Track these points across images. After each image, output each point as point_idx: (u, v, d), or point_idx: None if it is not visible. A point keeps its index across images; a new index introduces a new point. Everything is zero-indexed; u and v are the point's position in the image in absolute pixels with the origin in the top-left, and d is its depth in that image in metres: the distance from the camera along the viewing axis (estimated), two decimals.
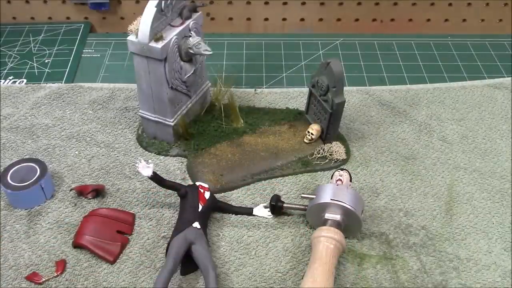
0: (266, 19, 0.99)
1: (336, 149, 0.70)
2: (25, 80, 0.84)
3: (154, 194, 0.65)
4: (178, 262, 0.55)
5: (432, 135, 0.75)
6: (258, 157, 0.69)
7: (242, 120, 0.74)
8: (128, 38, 0.63)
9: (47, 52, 0.90)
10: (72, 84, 0.82)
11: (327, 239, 0.55)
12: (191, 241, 0.56)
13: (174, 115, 0.70)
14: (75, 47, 0.91)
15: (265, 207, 0.64)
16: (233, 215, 0.63)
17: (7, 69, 0.86)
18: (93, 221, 0.60)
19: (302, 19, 0.99)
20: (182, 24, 0.66)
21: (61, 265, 0.57)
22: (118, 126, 0.75)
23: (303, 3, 0.97)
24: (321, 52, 0.91)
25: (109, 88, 0.81)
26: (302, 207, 0.62)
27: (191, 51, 0.66)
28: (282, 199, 0.63)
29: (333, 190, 0.58)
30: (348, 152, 0.71)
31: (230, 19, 0.99)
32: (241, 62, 0.89)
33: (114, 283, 0.56)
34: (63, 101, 0.79)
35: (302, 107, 0.76)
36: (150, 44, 0.62)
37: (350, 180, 0.61)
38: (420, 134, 0.75)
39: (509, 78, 0.85)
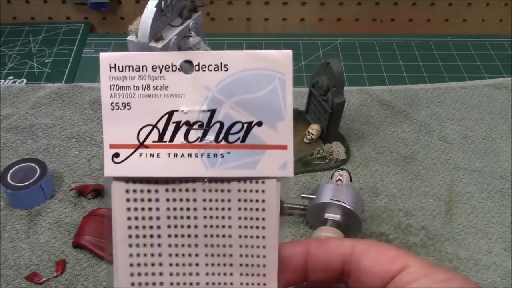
0: (266, 19, 0.99)
1: (336, 149, 0.70)
2: (25, 80, 0.84)
3: None
4: None
5: (432, 135, 0.75)
6: None
7: None
8: (128, 38, 0.63)
9: (47, 52, 0.90)
10: (72, 84, 0.82)
11: None
12: None
13: None
14: (75, 47, 0.91)
15: None
16: None
17: (7, 69, 0.86)
18: (93, 221, 0.60)
19: (302, 19, 0.99)
20: (182, 24, 0.66)
21: (61, 265, 0.57)
22: None
23: (303, 3, 0.97)
24: (321, 52, 0.91)
25: None
26: (302, 207, 0.62)
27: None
28: (282, 199, 0.63)
29: (333, 190, 0.58)
30: (348, 152, 0.71)
31: (230, 19, 0.99)
32: None
33: None
34: (63, 101, 0.79)
35: (302, 107, 0.76)
36: (150, 44, 0.62)
37: (350, 180, 0.61)
38: (420, 134, 0.75)
39: (509, 78, 0.85)
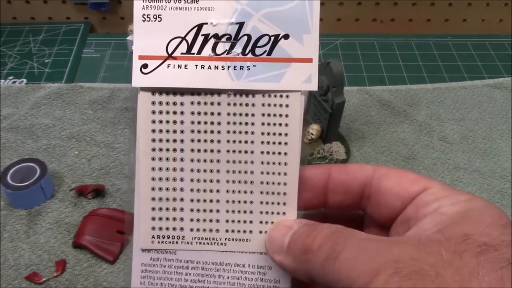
0: None
1: (336, 149, 0.70)
2: (25, 80, 0.84)
3: None
4: None
5: (432, 135, 0.75)
6: None
7: None
8: (128, 38, 0.63)
9: (47, 52, 0.90)
10: (72, 84, 0.82)
11: None
12: None
13: None
14: (75, 47, 0.91)
15: None
16: None
17: (7, 69, 0.86)
18: (93, 221, 0.60)
19: None
20: None
21: (61, 265, 0.57)
22: (118, 126, 0.75)
23: None
24: (321, 52, 0.91)
25: (109, 88, 0.81)
26: None
27: None
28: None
29: None
30: (348, 152, 0.71)
31: None
32: None
33: (114, 283, 0.56)
34: (63, 101, 0.79)
35: None
36: None
37: None
38: (420, 134, 0.75)
39: (509, 78, 0.85)
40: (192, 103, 0.24)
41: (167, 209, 0.24)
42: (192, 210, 0.24)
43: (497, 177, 0.69)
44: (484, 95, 0.82)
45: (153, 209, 0.24)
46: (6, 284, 0.55)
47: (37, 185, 0.62)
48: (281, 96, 0.24)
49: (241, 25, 0.24)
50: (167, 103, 0.24)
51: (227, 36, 0.24)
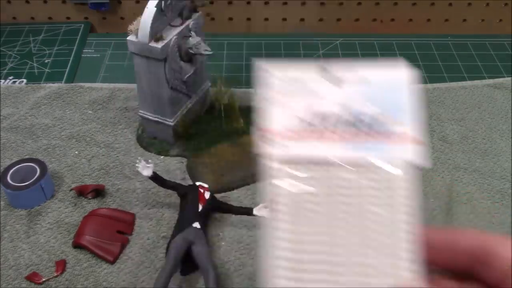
0: (266, 19, 0.99)
1: None
2: (25, 80, 0.84)
3: (154, 194, 0.65)
4: (178, 263, 0.55)
5: (432, 135, 0.75)
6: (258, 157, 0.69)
7: (242, 120, 0.74)
8: (128, 38, 0.63)
9: (47, 52, 0.90)
10: (72, 84, 0.82)
11: None
12: (191, 241, 0.56)
13: (174, 115, 0.70)
14: (75, 47, 0.91)
15: (265, 207, 0.64)
16: (233, 215, 0.63)
17: (7, 69, 0.86)
18: (93, 221, 0.60)
19: (302, 19, 0.99)
20: (182, 24, 0.66)
21: (61, 265, 0.57)
22: (118, 126, 0.75)
23: (303, 3, 0.97)
24: (321, 52, 0.91)
25: (109, 88, 0.81)
26: None
27: (191, 51, 0.66)
28: None
29: None
30: None
31: (230, 19, 0.99)
32: (241, 62, 0.89)
33: (114, 283, 0.56)
34: (63, 101, 0.79)
35: None
36: (150, 44, 0.62)
37: None
38: (420, 134, 0.75)
39: (509, 78, 0.85)
40: (316, 174, 0.26)
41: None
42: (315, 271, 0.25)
43: (497, 177, 0.69)
44: (484, 95, 0.82)
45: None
46: (6, 284, 0.55)
47: (37, 185, 0.62)
48: (386, 171, 0.26)
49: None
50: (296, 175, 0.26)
51: (343, 118, 0.26)
